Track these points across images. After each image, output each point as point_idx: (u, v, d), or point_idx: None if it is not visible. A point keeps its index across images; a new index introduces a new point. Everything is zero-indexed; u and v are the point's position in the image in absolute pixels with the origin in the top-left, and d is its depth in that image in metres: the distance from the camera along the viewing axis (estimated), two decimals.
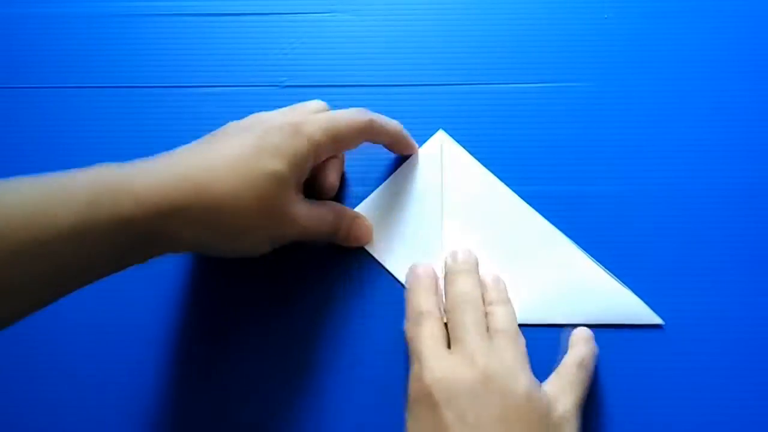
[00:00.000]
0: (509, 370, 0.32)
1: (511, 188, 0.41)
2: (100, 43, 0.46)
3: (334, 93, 0.44)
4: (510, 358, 0.33)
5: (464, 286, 0.36)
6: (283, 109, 0.38)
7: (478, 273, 0.38)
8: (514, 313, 0.36)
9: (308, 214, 0.35)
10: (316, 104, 0.39)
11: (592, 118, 0.43)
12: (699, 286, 0.39)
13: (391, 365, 0.37)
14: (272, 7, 0.47)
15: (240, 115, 0.43)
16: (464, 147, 0.42)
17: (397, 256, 0.39)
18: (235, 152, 0.33)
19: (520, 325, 0.36)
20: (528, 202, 0.41)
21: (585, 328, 0.37)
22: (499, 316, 0.35)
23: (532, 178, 0.41)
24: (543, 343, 0.37)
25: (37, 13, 0.47)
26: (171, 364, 0.38)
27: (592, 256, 0.39)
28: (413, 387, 0.33)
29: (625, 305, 0.38)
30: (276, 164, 0.33)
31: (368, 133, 0.38)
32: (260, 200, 0.32)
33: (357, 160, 0.42)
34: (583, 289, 0.38)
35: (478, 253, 0.39)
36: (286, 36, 0.46)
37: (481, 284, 0.37)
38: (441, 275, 0.38)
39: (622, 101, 0.43)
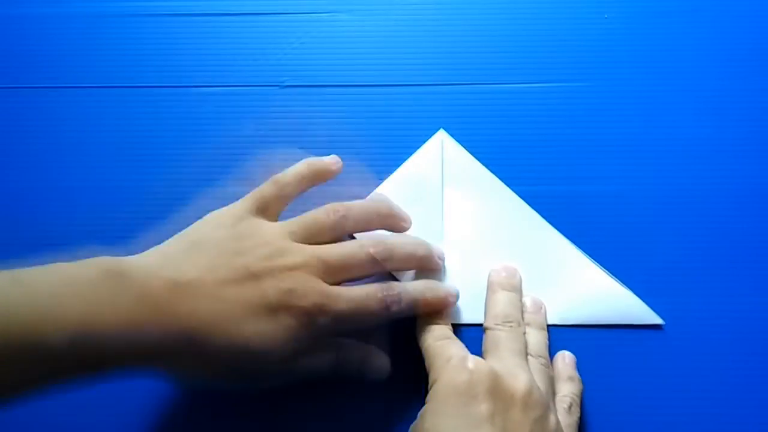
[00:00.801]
0: (545, 400, 0.32)
1: (511, 188, 0.41)
2: (100, 43, 0.46)
3: (334, 93, 0.44)
4: (543, 386, 0.33)
5: (505, 305, 0.36)
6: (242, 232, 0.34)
7: (521, 292, 0.38)
8: (546, 341, 0.36)
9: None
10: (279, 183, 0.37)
11: (592, 118, 0.43)
12: (699, 286, 0.39)
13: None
14: (272, 7, 0.47)
15: (240, 115, 0.43)
16: (464, 147, 0.42)
17: None
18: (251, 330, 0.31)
19: None
20: (528, 202, 0.41)
21: (570, 364, 0.36)
22: (532, 341, 0.35)
23: (532, 178, 0.41)
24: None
25: (37, 13, 0.47)
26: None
27: (592, 256, 0.39)
28: (447, 376, 0.31)
29: (625, 305, 0.38)
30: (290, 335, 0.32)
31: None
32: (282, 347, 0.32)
33: (358, 160, 0.42)
34: (583, 290, 0.38)
35: (476, 253, 0.39)
36: (286, 36, 0.46)
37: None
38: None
39: (622, 101, 0.43)
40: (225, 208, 0.36)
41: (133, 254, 0.33)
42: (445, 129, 0.43)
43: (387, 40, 0.46)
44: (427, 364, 0.34)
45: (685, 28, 0.45)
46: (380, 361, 0.36)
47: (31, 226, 0.40)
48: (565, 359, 0.36)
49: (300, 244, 0.34)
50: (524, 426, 0.30)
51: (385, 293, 0.34)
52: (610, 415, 0.36)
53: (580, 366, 0.36)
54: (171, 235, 0.35)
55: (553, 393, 0.34)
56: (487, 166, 0.42)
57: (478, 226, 0.40)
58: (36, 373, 0.28)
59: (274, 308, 0.31)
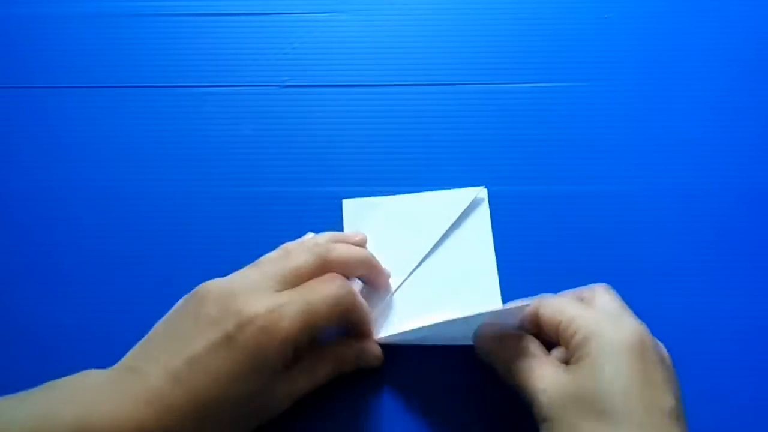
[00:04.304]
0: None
1: (511, 188, 0.41)
2: (100, 43, 0.46)
3: (334, 93, 0.44)
4: None
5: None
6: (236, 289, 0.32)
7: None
8: None
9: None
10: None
11: (592, 118, 0.43)
12: (698, 286, 0.39)
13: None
14: (272, 7, 0.47)
15: (240, 115, 0.43)
16: (463, 146, 0.42)
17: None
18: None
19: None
20: (528, 202, 0.40)
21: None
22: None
23: (533, 177, 0.41)
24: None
25: (37, 13, 0.47)
26: None
27: (591, 256, 0.39)
28: (621, 335, 0.30)
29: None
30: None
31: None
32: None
33: (357, 160, 0.42)
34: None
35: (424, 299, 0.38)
36: (286, 36, 0.46)
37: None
38: None
39: (622, 101, 0.43)
40: None
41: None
42: (445, 128, 0.42)
43: (387, 40, 0.46)
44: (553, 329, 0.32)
45: (685, 29, 0.45)
46: (374, 349, 0.36)
47: (31, 225, 0.41)
48: None
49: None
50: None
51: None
52: None
53: None
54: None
55: None
56: (486, 165, 0.41)
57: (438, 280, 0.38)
58: None
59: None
